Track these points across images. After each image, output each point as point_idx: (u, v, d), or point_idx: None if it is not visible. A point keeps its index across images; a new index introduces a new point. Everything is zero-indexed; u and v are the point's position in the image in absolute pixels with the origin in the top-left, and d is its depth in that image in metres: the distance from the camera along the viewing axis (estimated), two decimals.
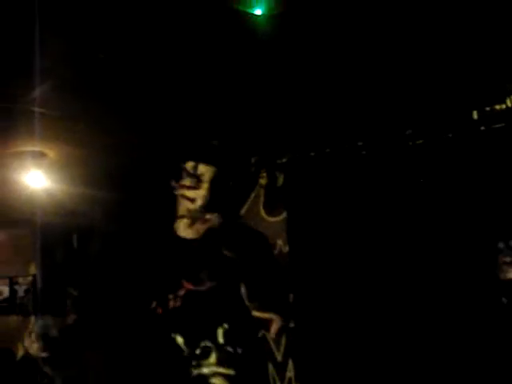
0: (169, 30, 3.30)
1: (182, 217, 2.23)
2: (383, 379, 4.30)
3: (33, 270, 7.76)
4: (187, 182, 2.28)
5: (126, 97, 4.16)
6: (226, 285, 2.15)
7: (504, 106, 4.14)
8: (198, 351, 2.13)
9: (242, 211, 2.30)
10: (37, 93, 3.93)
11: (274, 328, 2.06)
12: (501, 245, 3.38)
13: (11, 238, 7.91)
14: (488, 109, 4.18)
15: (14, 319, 7.86)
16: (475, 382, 4.02)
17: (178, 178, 2.33)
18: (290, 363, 4.66)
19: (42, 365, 2.31)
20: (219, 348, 2.11)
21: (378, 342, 4.35)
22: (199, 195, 2.25)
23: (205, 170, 2.27)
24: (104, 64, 3.65)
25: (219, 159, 2.31)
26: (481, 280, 4.03)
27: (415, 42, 3.57)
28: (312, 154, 4.66)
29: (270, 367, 4.48)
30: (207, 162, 2.27)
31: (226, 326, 2.12)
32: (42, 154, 5.10)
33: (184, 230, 2.25)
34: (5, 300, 7.82)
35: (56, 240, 7.48)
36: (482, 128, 4.22)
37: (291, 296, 2.32)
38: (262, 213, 4.90)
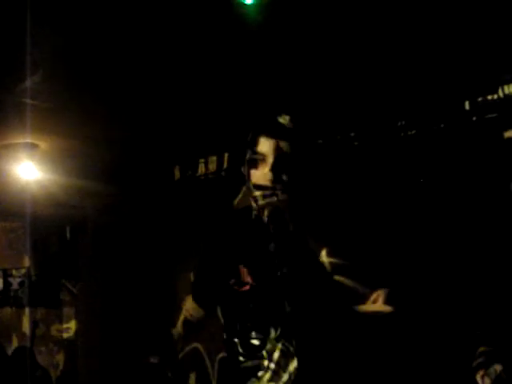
0: (159, 21, 3.29)
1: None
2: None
3: (26, 262, 7.77)
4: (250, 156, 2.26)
5: (117, 88, 4.15)
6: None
7: (496, 97, 4.14)
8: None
9: (235, 202, 2.28)
10: (28, 84, 3.92)
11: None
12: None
13: (4, 230, 7.91)
14: (480, 99, 4.17)
15: (8, 311, 7.87)
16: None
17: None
18: None
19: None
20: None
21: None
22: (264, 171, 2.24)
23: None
24: (95, 55, 3.64)
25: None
26: (478, 274, 4.04)
27: (407, 32, 3.57)
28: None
29: None
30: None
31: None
32: (34, 146, 5.09)
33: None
34: None
35: (49, 232, 7.49)
36: (474, 118, 4.22)
37: None
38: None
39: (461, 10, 3.37)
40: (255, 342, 2.14)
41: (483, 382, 2.15)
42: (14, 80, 3.87)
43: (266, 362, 2.11)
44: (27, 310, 7.76)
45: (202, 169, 5.50)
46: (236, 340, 2.19)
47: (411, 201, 4.41)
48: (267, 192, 2.20)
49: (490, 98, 4.17)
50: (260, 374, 2.12)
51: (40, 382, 6.27)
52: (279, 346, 2.09)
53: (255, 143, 2.27)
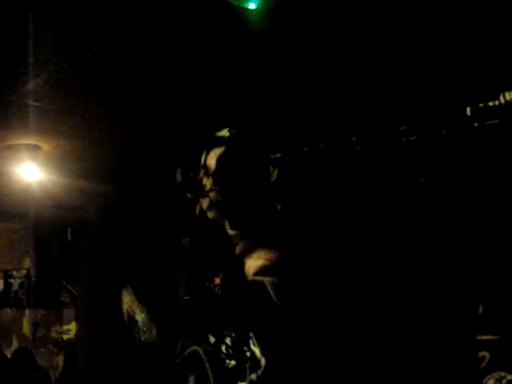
0: (163, 24, 3.30)
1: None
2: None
3: (27, 263, 7.78)
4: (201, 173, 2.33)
5: (120, 90, 4.16)
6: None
7: (497, 103, 4.14)
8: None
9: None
10: (31, 86, 3.93)
11: None
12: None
13: (5, 231, 7.91)
14: (481, 105, 4.18)
15: (8, 312, 7.88)
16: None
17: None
18: None
19: None
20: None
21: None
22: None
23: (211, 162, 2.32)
24: (99, 57, 3.65)
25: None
26: (479, 279, 4.05)
27: (409, 38, 3.58)
28: (306, 149, 4.66)
29: None
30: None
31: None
32: (37, 147, 5.10)
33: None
34: None
35: (50, 233, 7.50)
36: (476, 124, 4.22)
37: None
38: None
39: (462, 15, 3.37)
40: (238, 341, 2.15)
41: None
42: (17, 81, 3.88)
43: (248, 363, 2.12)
44: (27, 312, 7.77)
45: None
46: (224, 340, 2.19)
47: (411, 205, 4.41)
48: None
49: (491, 104, 4.17)
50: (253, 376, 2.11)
51: None
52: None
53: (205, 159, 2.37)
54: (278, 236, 2.19)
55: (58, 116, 4.49)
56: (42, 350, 7.57)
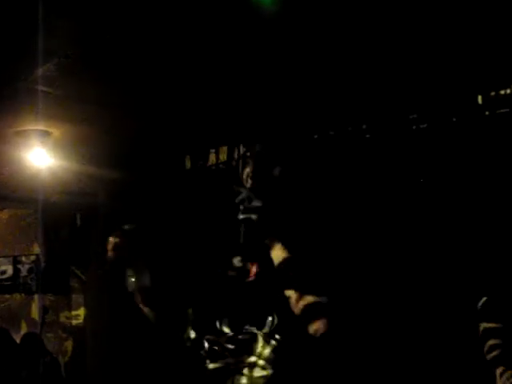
0: (174, 11, 3.29)
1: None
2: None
3: (36, 249, 7.80)
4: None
5: (130, 76, 4.16)
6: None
7: (509, 91, 4.13)
8: (241, 337, 2.11)
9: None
10: (41, 72, 3.93)
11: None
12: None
13: (15, 216, 7.93)
14: (493, 94, 4.16)
15: (17, 297, 7.91)
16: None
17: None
18: None
19: None
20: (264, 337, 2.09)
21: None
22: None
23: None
24: (109, 44, 3.65)
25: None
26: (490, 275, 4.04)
27: (421, 25, 3.56)
28: (316, 136, 4.66)
29: None
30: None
31: (274, 315, 2.09)
32: (47, 133, 5.10)
33: None
34: (8, 279, 7.86)
35: (59, 219, 7.52)
36: (487, 113, 4.20)
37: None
38: None
39: (474, 5, 3.36)
40: (244, 336, 2.12)
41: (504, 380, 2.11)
42: (27, 68, 3.88)
43: (252, 358, 2.09)
44: (36, 297, 7.80)
45: (212, 159, 5.51)
46: (209, 338, 2.17)
47: (421, 193, 4.40)
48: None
49: (502, 92, 4.15)
50: (245, 370, 2.09)
51: (48, 368, 6.29)
52: (272, 341, 2.08)
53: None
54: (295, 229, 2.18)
55: (68, 102, 4.49)
56: (51, 335, 7.60)
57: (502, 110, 4.16)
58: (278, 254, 2.06)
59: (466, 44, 3.78)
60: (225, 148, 5.40)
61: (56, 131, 5.10)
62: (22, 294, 7.87)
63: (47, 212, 7.19)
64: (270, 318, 2.08)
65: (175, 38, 3.61)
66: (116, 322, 6.59)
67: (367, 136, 4.58)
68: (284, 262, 2.04)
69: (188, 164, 5.64)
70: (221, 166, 5.43)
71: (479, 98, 4.22)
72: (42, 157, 5.38)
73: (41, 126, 4.98)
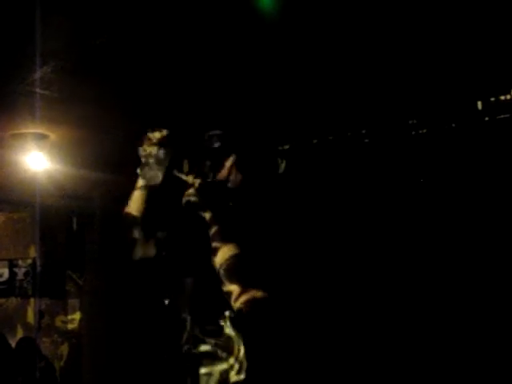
0: (171, 13, 3.27)
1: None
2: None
3: (32, 252, 7.77)
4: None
5: (128, 78, 4.14)
6: None
7: (509, 97, 4.12)
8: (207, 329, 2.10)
9: None
10: (39, 74, 3.92)
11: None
12: None
13: (11, 219, 7.91)
14: (493, 99, 4.16)
15: (13, 301, 7.89)
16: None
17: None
18: None
19: None
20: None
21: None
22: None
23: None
24: (106, 46, 3.63)
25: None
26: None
27: (420, 31, 3.55)
28: (314, 141, 4.65)
29: None
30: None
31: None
32: (44, 136, 5.08)
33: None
34: (4, 282, 7.84)
35: (56, 222, 7.50)
36: (487, 118, 4.20)
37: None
38: None
39: (474, 10, 3.35)
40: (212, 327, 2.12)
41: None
42: (24, 70, 3.86)
43: (231, 360, 2.08)
44: (32, 301, 7.77)
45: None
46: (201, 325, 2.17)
47: (420, 198, 4.40)
48: None
49: (502, 98, 4.15)
50: (220, 367, 2.09)
51: (44, 373, 6.27)
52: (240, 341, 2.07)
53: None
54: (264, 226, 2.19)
55: (66, 105, 4.47)
56: (47, 339, 7.58)
57: (501, 116, 4.16)
58: (224, 251, 2.07)
59: (466, 50, 3.77)
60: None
61: (53, 134, 5.08)
62: (18, 298, 7.85)
63: (43, 215, 7.16)
64: (226, 313, 2.08)
65: (173, 40, 3.59)
66: (112, 327, 6.57)
67: (366, 141, 4.58)
68: (230, 258, 2.04)
69: (186, 168, 5.62)
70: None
71: (479, 104, 4.21)
72: (38, 160, 5.36)
73: (38, 129, 4.96)
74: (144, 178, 2.41)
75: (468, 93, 4.26)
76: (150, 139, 2.36)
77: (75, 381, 7.08)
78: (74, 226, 7.46)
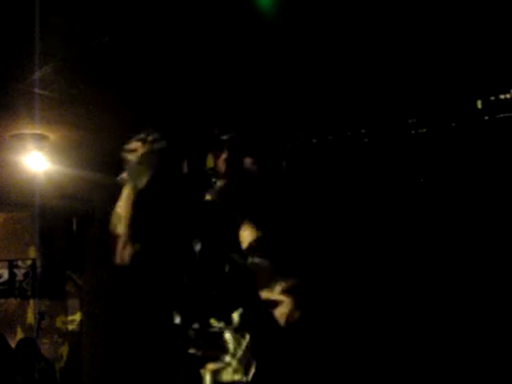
0: (172, 13, 3.27)
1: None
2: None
3: (32, 253, 7.78)
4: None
5: (128, 79, 4.14)
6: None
7: (509, 96, 4.12)
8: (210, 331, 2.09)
9: None
10: (38, 75, 3.92)
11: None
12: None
13: (11, 220, 7.92)
14: (493, 98, 4.16)
15: (12, 302, 7.89)
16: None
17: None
18: None
19: None
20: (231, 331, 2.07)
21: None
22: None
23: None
24: (107, 46, 3.63)
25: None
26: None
27: (420, 30, 3.55)
28: (314, 140, 4.64)
29: None
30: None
31: (241, 310, 2.07)
32: (43, 137, 5.09)
33: None
34: (4, 283, 7.85)
35: (55, 223, 7.50)
36: (486, 118, 4.20)
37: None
38: None
39: (473, 9, 3.35)
40: (214, 329, 2.10)
41: None
42: (24, 71, 3.86)
43: (227, 358, 2.07)
44: (32, 302, 7.78)
45: (210, 163, 5.48)
46: (194, 326, 2.15)
47: (419, 198, 4.40)
48: None
49: (502, 97, 4.15)
50: (215, 366, 2.08)
51: (44, 374, 6.27)
52: (243, 341, 2.06)
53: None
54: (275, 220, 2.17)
55: (65, 105, 4.47)
56: (47, 340, 7.58)
57: (501, 115, 4.16)
58: (246, 234, 2.05)
59: (466, 49, 3.77)
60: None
61: (53, 135, 5.09)
62: (18, 299, 7.85)
63: (43, 216, 7.17)
64: (237, 314, 2.07)
65: (174, 41, 3.59)
66: (112, 327, 6.57)
67: (366, 140, 4.57)
68: (253, 242, 2.02)
69: (185, 168, 5.61)
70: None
71: (479, 103, 4.21)
72: (38, 161, 5.36)
73: (37, 130, 4.96)
74: (128, 182, 2.40)
75: (468, 92, 4.26)
76: (130, 148, 2.34)
77: (75, 382, 7.08)
78: (74, 226, 7.46)
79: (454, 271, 4.18)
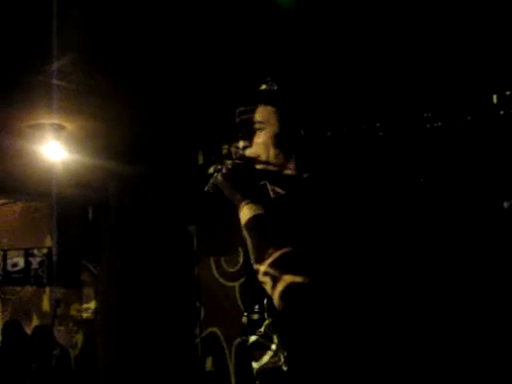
0: (188, 6, 3.29)
1: None
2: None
3: (48, 242, 7.84)
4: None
5: (145, 71, 4.16)
6: None
7: None
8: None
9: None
10: (56, 66, 3.94)
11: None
12: None
13: (27, 209, 7.97)
14: (508, 93, 4.15)
15: (28, 290, 7.96)
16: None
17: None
18: None
19: None
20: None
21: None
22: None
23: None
24: (123, 39, 3.65)
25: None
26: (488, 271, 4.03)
27: (437, 24, 3.55)
28: (329, 133, 4.65)
29: None
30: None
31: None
32: (61, 127, 5.12)
33: None
34: (20, 271, 7.91)
35: (72, 212, 7.55)
36: (502, 112, 4.19)
37: None
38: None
39: (492, 3, 3.34)
40: (255, 316, 2.11)
41: None
42: (42, 62, 3.89)
43: (273, 346, 2.08)
44: (48, 290, 7.84)
45: (225, 153, 5.50)
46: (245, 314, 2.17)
47: (433, 191, 4.39)
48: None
49: None
50: (260, 353, 2.09)
51: (58, 361, 6.32)
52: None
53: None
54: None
55: (82, 96, 4.50)
56: (62, 327, 7.64)
57: None
58: (244, 212, 2.03)
59: (482, 43, 3.77)
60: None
61: (70, 125, 5.12)
62: (34, 287, 7.92)
63: (60, 205, 7.22)
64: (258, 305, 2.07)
65: (189, 32, 3.61)
66: (127, 316, 6.61)
67: (380, 134, 4.58)
68: (251, 219, 2.00)
69: (201, 159, 5.65)
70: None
71: (494, 98, 4.20)
72: (55, 150, 5.40)
73: (55, 120, 5.00)
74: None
75: (483, 86, 4.25)
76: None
77: (90, 369, 7.14)
78: (90, 215, 7.51)
79: (468, 264, 4.19)
